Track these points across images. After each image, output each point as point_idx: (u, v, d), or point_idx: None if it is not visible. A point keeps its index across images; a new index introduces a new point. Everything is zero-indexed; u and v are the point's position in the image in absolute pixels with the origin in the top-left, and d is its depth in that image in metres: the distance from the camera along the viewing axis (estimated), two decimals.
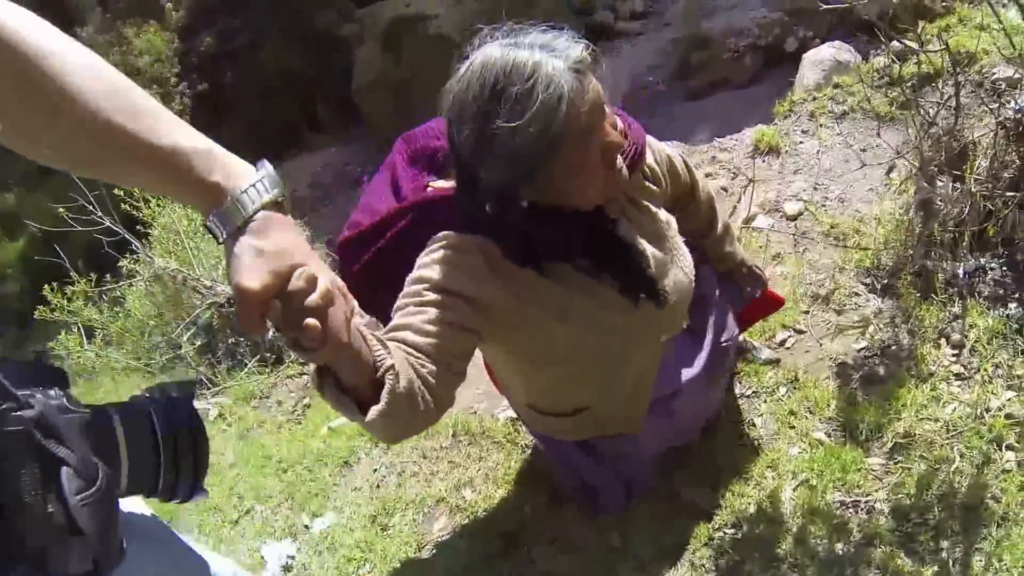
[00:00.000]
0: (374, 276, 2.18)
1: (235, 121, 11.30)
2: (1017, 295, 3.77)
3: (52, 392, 1.03)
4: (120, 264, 6.48)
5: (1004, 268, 3.85)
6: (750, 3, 11.95)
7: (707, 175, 5.79)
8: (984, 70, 5.53)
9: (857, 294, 4.03)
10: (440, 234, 2.06)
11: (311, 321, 1.15)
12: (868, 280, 4.07)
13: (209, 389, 5.51)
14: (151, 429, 1.17)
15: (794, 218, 4.80)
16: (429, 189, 2.25)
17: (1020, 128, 3.87)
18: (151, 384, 1.34)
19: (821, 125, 5.68)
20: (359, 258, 2.23)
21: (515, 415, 3.78)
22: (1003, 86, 5.31)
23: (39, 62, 1.04)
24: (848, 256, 4.24)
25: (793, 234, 4.63)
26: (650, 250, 2.35)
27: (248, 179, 1.21)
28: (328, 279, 1.22)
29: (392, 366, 1.62)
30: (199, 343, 5.81)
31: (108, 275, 6.68)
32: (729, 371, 3.37)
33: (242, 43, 12.45)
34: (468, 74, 1.92)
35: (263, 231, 1.17)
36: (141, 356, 6.11)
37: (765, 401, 3.67)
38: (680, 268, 2.45)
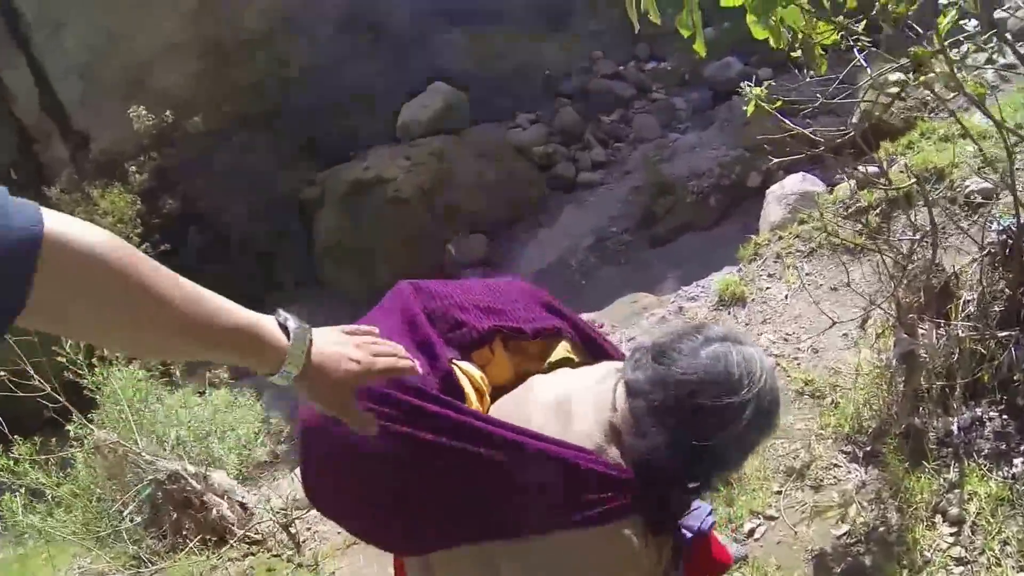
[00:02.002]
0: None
1: (198, 282, 11.33)
2: (1022, 446, 3.30)
3: None
4: (67, 428, 6.24)
5: (1004, 417, 3.39)
6: (710, 143, 11.99)
7: None
8: (956, 185, 5.22)
9: (836, 465, 3.54)
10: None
11: None
12: (849, 448, 3.59)
13: (147, 568, 5.18)
14: None
15: None
16: (452, 365, 1.90)
17: (1007, 251, 3.48)
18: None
19: (788, 266, 5.33)
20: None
21: None
22: (978, 200, 5.00)
23: (133, 281, 1.22)
24: (825, 419, 3.78)
25: None
26: None
27: (282, 325, 1.41)
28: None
29: None
30: (141, 518, 5.45)
31: (54, 439, 6.43)
32: None
33: (205, 207, 12.66)
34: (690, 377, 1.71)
35: (323, 342, 1.47)
36: (89, 523, 5.77)
37: None
38: None
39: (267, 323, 1.40)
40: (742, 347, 1.71)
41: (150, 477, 5.56)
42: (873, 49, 3.29)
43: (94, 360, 6.00)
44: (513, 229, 11.64)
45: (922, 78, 2.86)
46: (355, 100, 13.65)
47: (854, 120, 6.80)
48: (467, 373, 1.90)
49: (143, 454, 5.65)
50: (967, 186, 5.16)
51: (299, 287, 11.90)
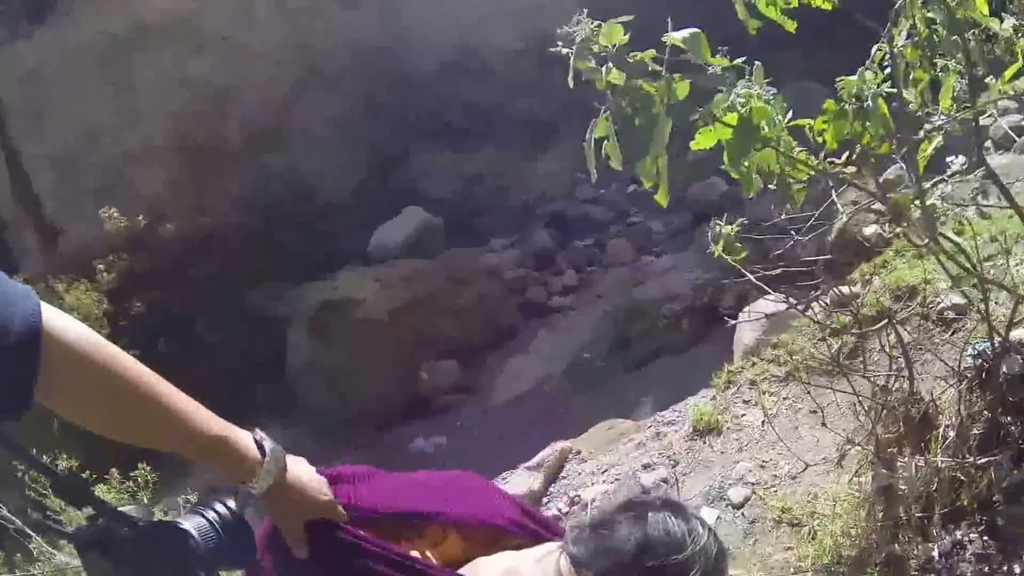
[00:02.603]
0: None
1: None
2: (1005, 567, 3.22)
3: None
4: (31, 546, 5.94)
5: (985, 539, 3.32)
6: (685, 265, 12.06)
7: (646, 465, 5.33)
8: (928, 301, 5.23)
9: None
10: None
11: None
12: None
13: None
14: None
15: (740, 506, 4.28)
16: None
17: (983, 375, 3.46)
18: None
19: (764, 392, 5.29)
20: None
21: None
22: (951, 315, 4.99)
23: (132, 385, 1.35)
24: (803, 550, 3.68)
25: (742, 525, 4.09)
26: None
27: (258, 443, 1.53)
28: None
29: None
30: None
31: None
32: None
33: (177, 314, 12.55)
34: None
35: (295, 468, 1.60)
36: None
37: None
38: None
39: (243, 435, 1.52)
40: (679, 511, 1.75)
41: None
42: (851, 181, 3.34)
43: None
44: (486, 354, 11.58)
45: (898, 229, 2.88)
46: (331, 219, 13.69)
47: (830, 238, 6.88)
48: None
49: None
50: (939, 301, 5.18)
51: (274, 406, 11.67)
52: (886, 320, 4.39)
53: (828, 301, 6.13)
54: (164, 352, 11.93)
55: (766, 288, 3.74)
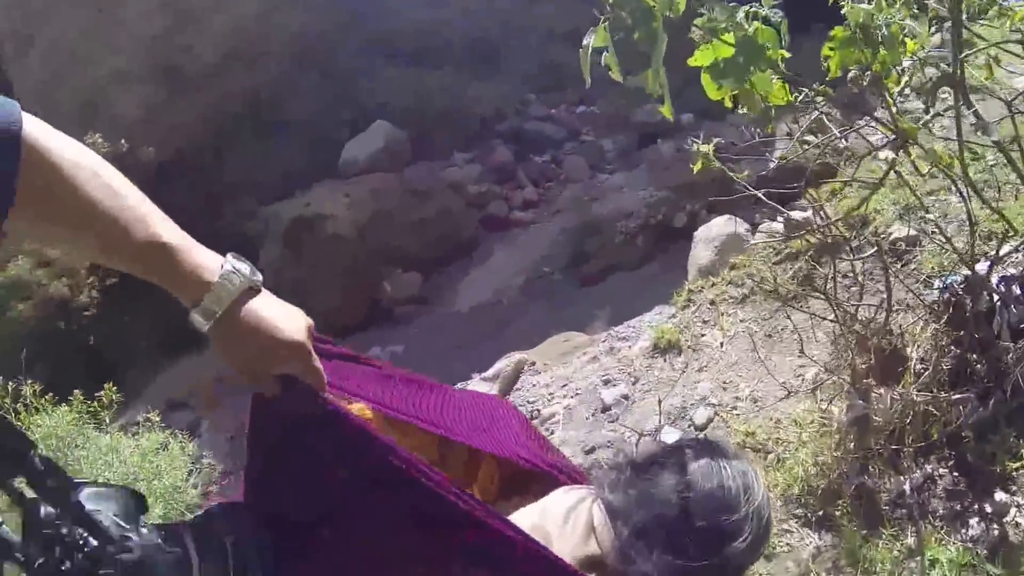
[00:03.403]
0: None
1: (143, 314, 10.86)
2: (976, 506, 3.00)
3: (144, 530, 1.08)
4: None
5: (955, 474, 3.11)
6: (637, 183, 11.76)
7: (606, 380, 5.06)
8: (881, 232, 4.99)
9: (788, 531, 3.19)
10: None
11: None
12: (799, 511, 3.24)
13: None
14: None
15: (703, 427, 4.03)
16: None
17: (951, 310, 3.21)
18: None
19: (722, 313, 5.02)
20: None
21: None
22: (903, 246, 4.77)
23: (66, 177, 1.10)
24: (771, 477, 3.42)
25: None
26: None
27: (222, 264, 1.21)
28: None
29: None
30: None
31: None
32: None
33: None
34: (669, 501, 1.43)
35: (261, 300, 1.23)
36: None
37: None
38: None
39: (201, 253, 1.20)
40: (733, 461, 1.45)
41: None
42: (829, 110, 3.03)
43: (19, 404, 5.45)
44: (447, 267, 11.25)
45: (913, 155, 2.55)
46: (300, 134, 13.27)
47: (771, 166, 6.59)
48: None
49: None
50: (891, 233, 4.95)
51: None
52: (846, 247, 4.14)
53: (784, 224, 5.87)
54: (141, 285, 11.57)
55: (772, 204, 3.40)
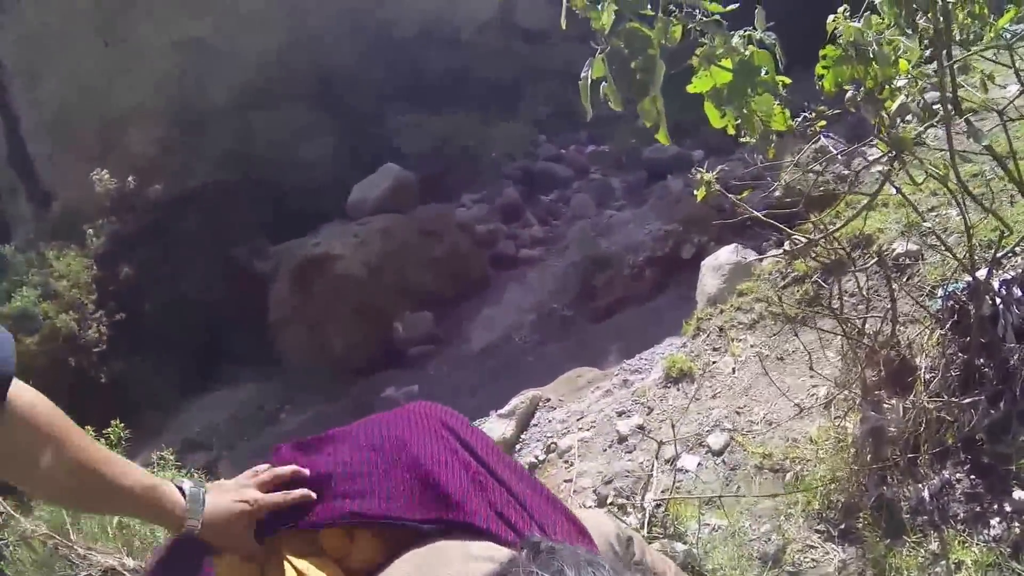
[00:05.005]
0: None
1: (154, 351, 10.85)
2: (995, 506, 3.03)
3: None
4: None
5: (972, 477, 3.14)
6: (644, 219, 11.88)
7: (620, 412, 5.10)
8: (884, 249, 5.06)
9: (812, 546, 3.22)
10: None
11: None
12: (821, 527, 3.27)
13: None
14: None
15: (720, 452, 4.06)
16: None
17: (955, 317, 3.27)
18: None
19: (732, 339, 5.07)
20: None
21: None
22: (906, 261, 4.85)
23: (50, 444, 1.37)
24: (791, 496, 3.46)
25: (723, 472, 3.87)
26: None
27: (180, 488, 1.56)
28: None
29: None
30: None
31: None
32: None
33: (163, 274, 12.18)
34: None
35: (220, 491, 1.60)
36: None
37: None
38: None
39: (167, 488, 1.53)
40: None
41: (84, 574, 5.04)
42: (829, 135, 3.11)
43: None
44: (459, 306, 11.36)
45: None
46: (311, 175, 13.41)
47: (776, 194, 6.68)
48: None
49: (76, 547, 5.12)
50: (894, 249, 5.02)
51: (254, 359, 11.47)
52: (851, 267, 4.22)
53: (789, 249, 5.94)
54: (151, 312, 11.63)
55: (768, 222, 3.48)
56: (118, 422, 5.27)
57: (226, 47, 14.17)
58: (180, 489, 1.55)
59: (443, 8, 15.68)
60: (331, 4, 14.99)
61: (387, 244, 11.91)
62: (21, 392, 1.33)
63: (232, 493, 1.60)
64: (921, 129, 2.53)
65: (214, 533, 1.56)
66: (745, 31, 2.28)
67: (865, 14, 2.41)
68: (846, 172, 7.42)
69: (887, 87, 2.41)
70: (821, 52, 2.44)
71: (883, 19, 2.43)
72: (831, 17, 2.66)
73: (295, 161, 13.78)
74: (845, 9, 2.64)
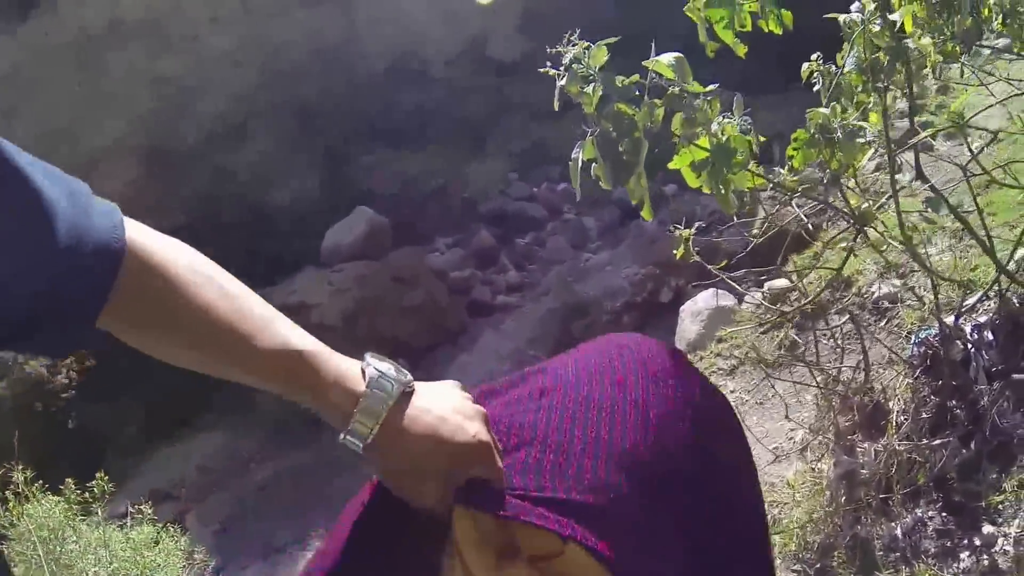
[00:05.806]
0: None
1: (124, 396, 10.85)
2: (966, 540, 3.30)
3: None
4: None
5: (944, 514, 3.40)
6: (622, 260, 12.16)
7: None
8: (863, 291, 5.33)
9: None
10: None
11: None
12: (798, 567, 3.54)
13: None
14: None
15: None
16: None
17: (927, 362, 3.56)
18: None
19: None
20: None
21: None
22: (885, 304, 5.12)
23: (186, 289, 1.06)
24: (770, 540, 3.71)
25: None
26: None
27: (363, 368, 1.07)
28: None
29: None
30: None
31: None
32: None
33: None
34: None
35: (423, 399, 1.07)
36: None
37: None
38: None
39: (338, 359, 1.08)
40: None
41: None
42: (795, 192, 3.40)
43: (7, 494, 5.43)
44: (435, 354, 11.54)
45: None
46: (285, 218, 13.58)
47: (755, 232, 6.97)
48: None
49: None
50: (873, 292, 5.28)
51: (230, 408, 11.53)
52: (831, 310, 4.52)
53: (765, 294, 6.24)
54: (121, 359, 11.65)
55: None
56: (103, 475, 5.35)
57: (195, 88, 14.39)
58: (364, 372, 1.06)
59: (413, 42, 15.92)
60: (303, 43, 15.25)
61: (362, 292, 12.11)
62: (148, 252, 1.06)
63: (444, 409, 1.05)
64: (883, 201, 2.84)
65: (391, 458, 1.02)
66: (723, 116, 2.57)
67: (831, 104, 2.72)
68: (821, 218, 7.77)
69: (851, 168, 2.72)
70: (792, 136, 2.74)
71: (846, 109, 2.74)
72: (805, 65, 3.00)
73: (268, 202, 13.97)
74: (818, 57, 2.98)
